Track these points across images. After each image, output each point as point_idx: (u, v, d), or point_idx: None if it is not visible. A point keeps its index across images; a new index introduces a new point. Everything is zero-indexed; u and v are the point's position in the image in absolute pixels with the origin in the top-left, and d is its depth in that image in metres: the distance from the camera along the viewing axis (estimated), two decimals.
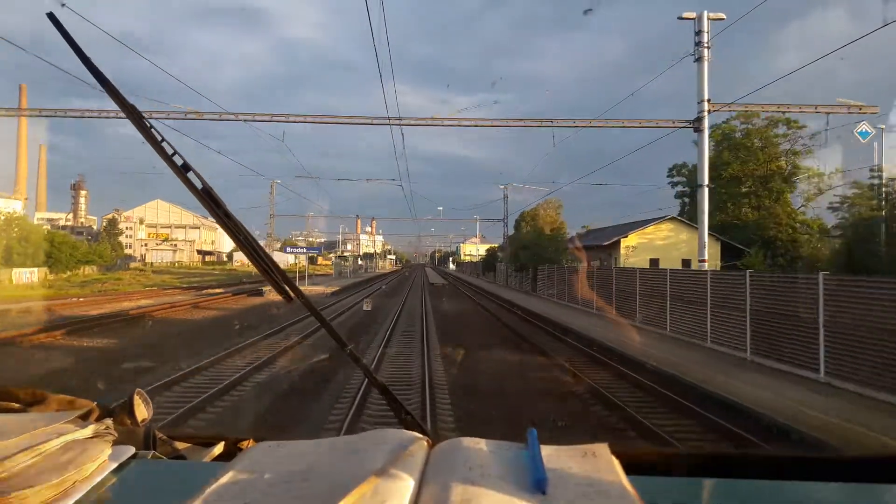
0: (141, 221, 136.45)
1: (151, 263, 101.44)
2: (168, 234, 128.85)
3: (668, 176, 44.50)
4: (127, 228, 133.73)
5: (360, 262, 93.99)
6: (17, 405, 1.05)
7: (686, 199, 43.41)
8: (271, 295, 32.18)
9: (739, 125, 37.20)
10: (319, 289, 31.64)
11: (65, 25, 1.14)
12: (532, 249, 36.31)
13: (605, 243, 34.47)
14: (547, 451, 0.87)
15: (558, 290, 27.80)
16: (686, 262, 32.38)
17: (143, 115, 1.13)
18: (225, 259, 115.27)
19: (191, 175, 1.15)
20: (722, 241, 33.18)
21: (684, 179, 43.83)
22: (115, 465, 0.90)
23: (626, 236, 33.75)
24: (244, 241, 1.16)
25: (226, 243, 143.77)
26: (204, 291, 32.20)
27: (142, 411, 1.09)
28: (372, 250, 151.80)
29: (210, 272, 76.19)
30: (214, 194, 1.15)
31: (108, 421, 0.99)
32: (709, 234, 34.31)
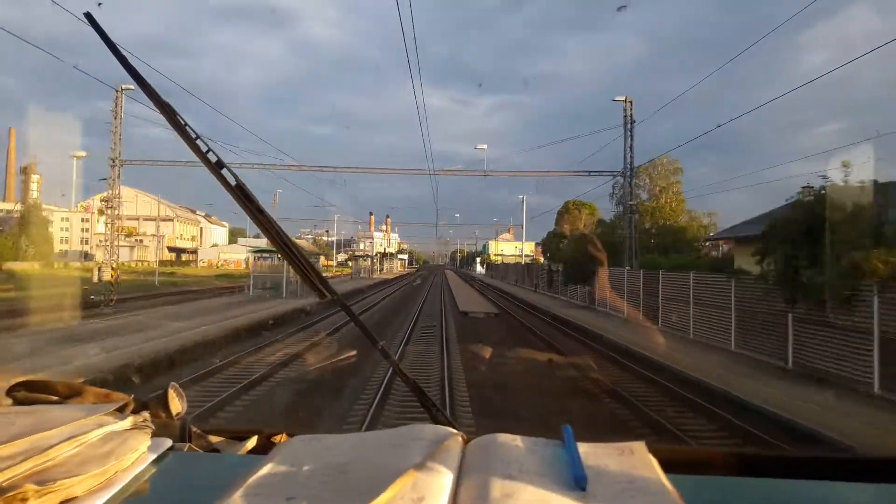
0: (100, 212, 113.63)
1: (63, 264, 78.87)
2: (135, 227, 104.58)
3: None
4: (83, 220, 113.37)
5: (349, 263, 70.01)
6: (55, 398, 1.09)
7: None
8: None
9: None
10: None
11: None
12: None
13: None
14: (583, 448, 0.90)
15: None
16: None
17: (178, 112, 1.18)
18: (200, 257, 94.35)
19: (224, 172, 1.18)
20: None
21: None
22: (153, 457, 0.95)
23: None
24: (277, 237, 1.20)
25: (208, 242, 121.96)
26: None
27: (176, 405, 1.12)
28: (389, 249, 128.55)
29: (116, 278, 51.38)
30: (247, 190, 1.19)
31: (146, 413, 1.03)
32: None
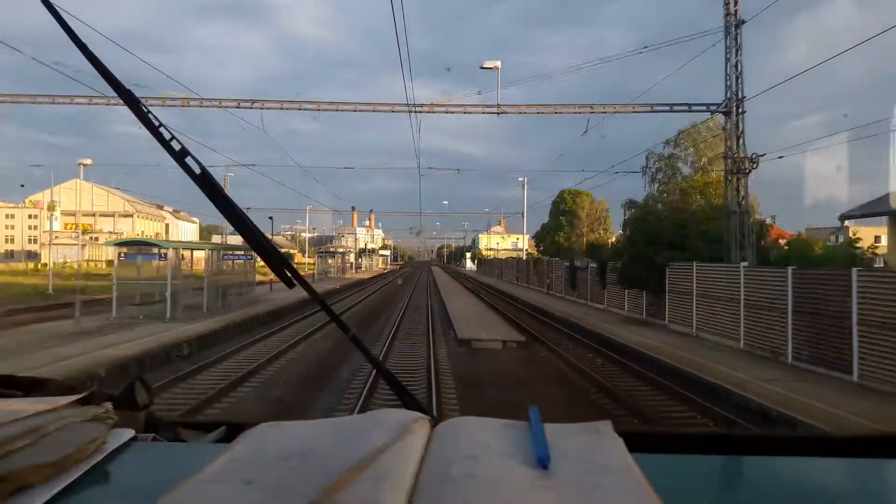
0: (51, 208, 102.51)
1: None
2: (91, 224, 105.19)
3: None
4: (31, 217, 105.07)
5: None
6: (17, 391, 1.08)
7: None
8: None
9: None
10: None
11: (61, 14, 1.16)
12: None
13: None
14: (550, 428, 0.91)
15: None
16: None
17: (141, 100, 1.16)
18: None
19: (189, 161, 1.15)
20: None
21: None
22: (114, 447, 0.94)
23: None
24: (245, 229, 1.17)
25: (175, 239, 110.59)
26: None
27: (143, 397, 1.09)
28: (372, 245, 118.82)
29: None
30: (213, 180, 1.17)
31: (108, 405, 1.03)
32: None
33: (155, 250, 19.57)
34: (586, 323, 20.29)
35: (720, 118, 21.02)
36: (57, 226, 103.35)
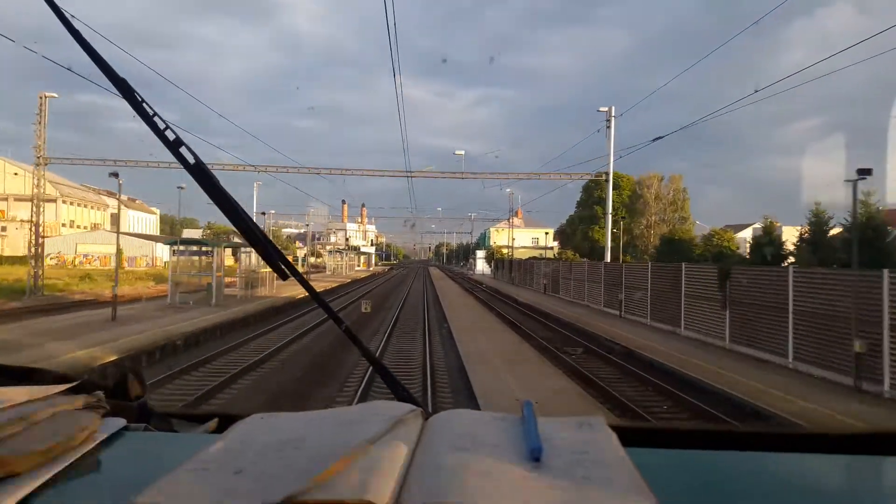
0: None
1: None
2: (3, 210, 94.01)
3: None
4: None
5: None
6: (9, 380, 1.10)
7: None
8: None
9: None
10: None
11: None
12: None
13: None
14: (542, 422, 0.96)
15: None
16: None
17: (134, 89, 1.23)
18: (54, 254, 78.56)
19: (183, 150, 1.18)
20: None
21: None
22: (104, 436, 0.99)
23: None
24: (239, 219, 1.20)
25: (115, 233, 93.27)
26: None
27: (135, 387, 1.12)
28: (358, 243, 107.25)
29: None
30: (207, 170, 1.19)
31: (100, 394, 1.06)
32: None
33: None
34: None
35: None
36: None
